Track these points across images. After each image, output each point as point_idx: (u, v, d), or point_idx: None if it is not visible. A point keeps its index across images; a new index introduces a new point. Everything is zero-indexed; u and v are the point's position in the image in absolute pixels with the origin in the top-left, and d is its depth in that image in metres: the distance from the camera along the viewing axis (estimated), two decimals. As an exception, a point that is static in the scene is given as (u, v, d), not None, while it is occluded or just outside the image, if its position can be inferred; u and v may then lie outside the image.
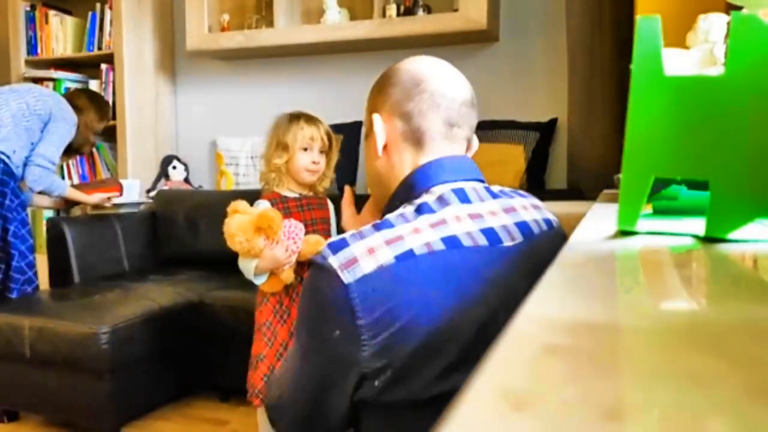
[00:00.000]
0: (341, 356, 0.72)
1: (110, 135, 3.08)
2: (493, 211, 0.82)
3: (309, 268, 0.76)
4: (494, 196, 0.85)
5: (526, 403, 0.24)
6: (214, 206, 2.89)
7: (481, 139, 0.96)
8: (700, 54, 0.87)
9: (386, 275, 0.70)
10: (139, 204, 2.97)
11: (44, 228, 2.76)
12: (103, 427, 2.09)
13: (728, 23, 0.85)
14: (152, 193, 3.09)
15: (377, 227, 0.74)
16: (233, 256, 1.68)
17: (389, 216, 0.77)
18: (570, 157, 2.57)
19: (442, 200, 0.79)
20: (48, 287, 2.62)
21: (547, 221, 0.89)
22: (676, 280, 0.51)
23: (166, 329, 2.26)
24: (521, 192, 0.92)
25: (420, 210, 0.77)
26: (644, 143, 0.63)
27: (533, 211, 0.88)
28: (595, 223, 0.76)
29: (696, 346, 0.32)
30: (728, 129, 0.59)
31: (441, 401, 0.69)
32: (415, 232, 0.73)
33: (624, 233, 0.66)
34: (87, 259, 2.65)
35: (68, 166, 3.17)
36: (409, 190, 0.84)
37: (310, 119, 1.77)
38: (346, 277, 0.70)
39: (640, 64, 0.63)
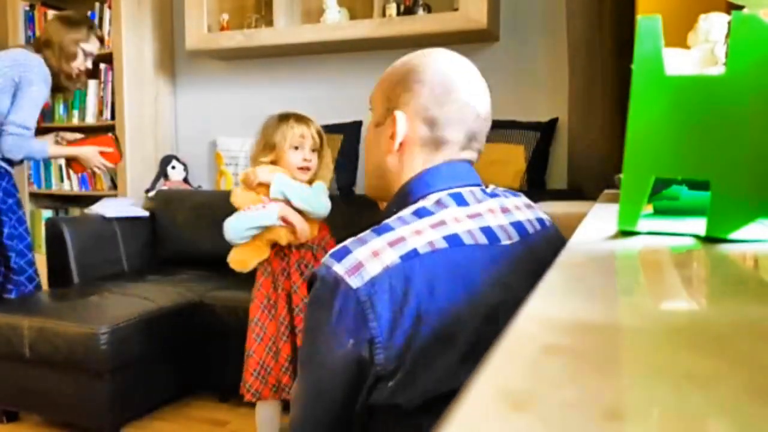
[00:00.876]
0: (357, 362, 0.70)
1: (110, 135, 3.08)
2: (491, 208, 0.83)
3: (311, 281, 0.75)
4: (491, 195, 0.86)
5: (526, 403, 0.24)
6: (213, 206, 2.89)
7: (481, 139, 0.96)
8: (700, 54, 0.87)
9: (393, 275, 0.70)
10: (137, 218, 2.93)
11: (43, 228, 2.75)
12: (103, 427, 2.09)
13: (729, 23, 0.85)
14: (151, 193, 3.09)
15: (378, 232, 0.74)
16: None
17: (388, 220, 0.77)
18: (570, 157, 2.57)
19: (439, 203, 0.79)
20: (47, 287, 2.62)
21: (540, 221, 0.90)
22: (676, 280, 0.50)
23: (165, 329, 2.26)
24: (512, 191, 0.93)
25: (418, 213, 0.77)
26: (645, 143, 0.63)
27: (527, 211, 0.89)
28: (596, 223, 0.76)
29: (696, 346, 0.31)
30: (729, 129, 0.59)
31: (449, 401, 0.68)
32: (416, 234, 0.73)
33: (624, 233, 0.66)
34: (86, 259, 2.65)
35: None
36: (405, 197, 0.84)
37: (300, 118, 1.79)
38: (354, 282, 0.69)
39: (641, 64, 0.63)
